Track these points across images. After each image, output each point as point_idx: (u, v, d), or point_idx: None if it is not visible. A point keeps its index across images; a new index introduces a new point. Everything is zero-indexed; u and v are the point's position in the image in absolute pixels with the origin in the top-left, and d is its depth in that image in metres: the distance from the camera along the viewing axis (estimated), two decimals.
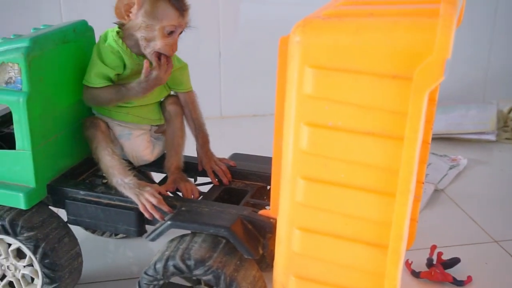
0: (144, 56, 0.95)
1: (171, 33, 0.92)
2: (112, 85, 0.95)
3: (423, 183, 0.97)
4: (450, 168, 1.52)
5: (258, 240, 0.84)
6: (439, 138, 1.71)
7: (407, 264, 1.09)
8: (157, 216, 0.89)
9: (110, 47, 0.94)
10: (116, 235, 1.21)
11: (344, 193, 0.69)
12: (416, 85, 0.59)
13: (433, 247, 1.11)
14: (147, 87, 0.93)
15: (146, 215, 0.90)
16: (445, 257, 1.09)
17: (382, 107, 0.64)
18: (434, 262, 1.08)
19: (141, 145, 1.00)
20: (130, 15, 0.92)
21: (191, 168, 1.04)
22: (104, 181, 1.05)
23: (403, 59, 0.61)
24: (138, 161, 1.02)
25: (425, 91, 0.59)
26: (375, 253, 0.70)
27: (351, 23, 0.64)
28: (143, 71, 0.92)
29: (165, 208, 0.89)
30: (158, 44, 0.92)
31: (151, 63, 0.93)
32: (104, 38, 0.96)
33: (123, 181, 0.93)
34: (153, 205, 0.89)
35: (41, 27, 1.00)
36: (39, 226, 0.93)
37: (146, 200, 0.90)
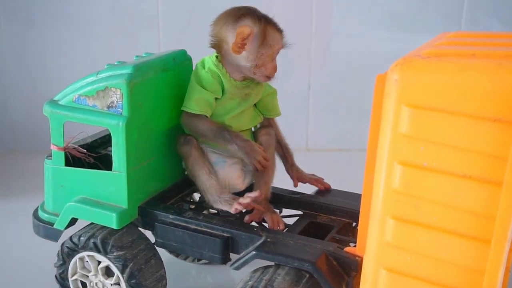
0: (241, 81, 0.98)
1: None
2: (216, 123, 0.97)
3: None
4: None
5: (342, 277, 0.83)
6: None
7: None
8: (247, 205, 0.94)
9: (210, 71, 0.97)
10: (199, 260, 1.22)
11: (435, 236, 0.67)
12: None
13: None
14: (246, 152, 0.96)
15: (241, 207, 0.94)
16: None
17: (481, 150, 0.62)
18: None
19: (234, 174, 1.01)
20: (245, 47, 0.94)
21: (278, 199, 1.05)
22: (192, 206, 1.08)
23: (505, 103, 0.60)
24: (229, 190, 1.02)
25: None
26: None
27: (453, 63, 0.63)
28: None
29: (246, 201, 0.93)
30: (268, 69, 0.96)
31: None
32: (202, 64, 0.99)
33: (219, 197, 0.96)
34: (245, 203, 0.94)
35: (143, 55, 1.04)
36: (129, 246, 0.96)
37: (238, 203, 0.94)
